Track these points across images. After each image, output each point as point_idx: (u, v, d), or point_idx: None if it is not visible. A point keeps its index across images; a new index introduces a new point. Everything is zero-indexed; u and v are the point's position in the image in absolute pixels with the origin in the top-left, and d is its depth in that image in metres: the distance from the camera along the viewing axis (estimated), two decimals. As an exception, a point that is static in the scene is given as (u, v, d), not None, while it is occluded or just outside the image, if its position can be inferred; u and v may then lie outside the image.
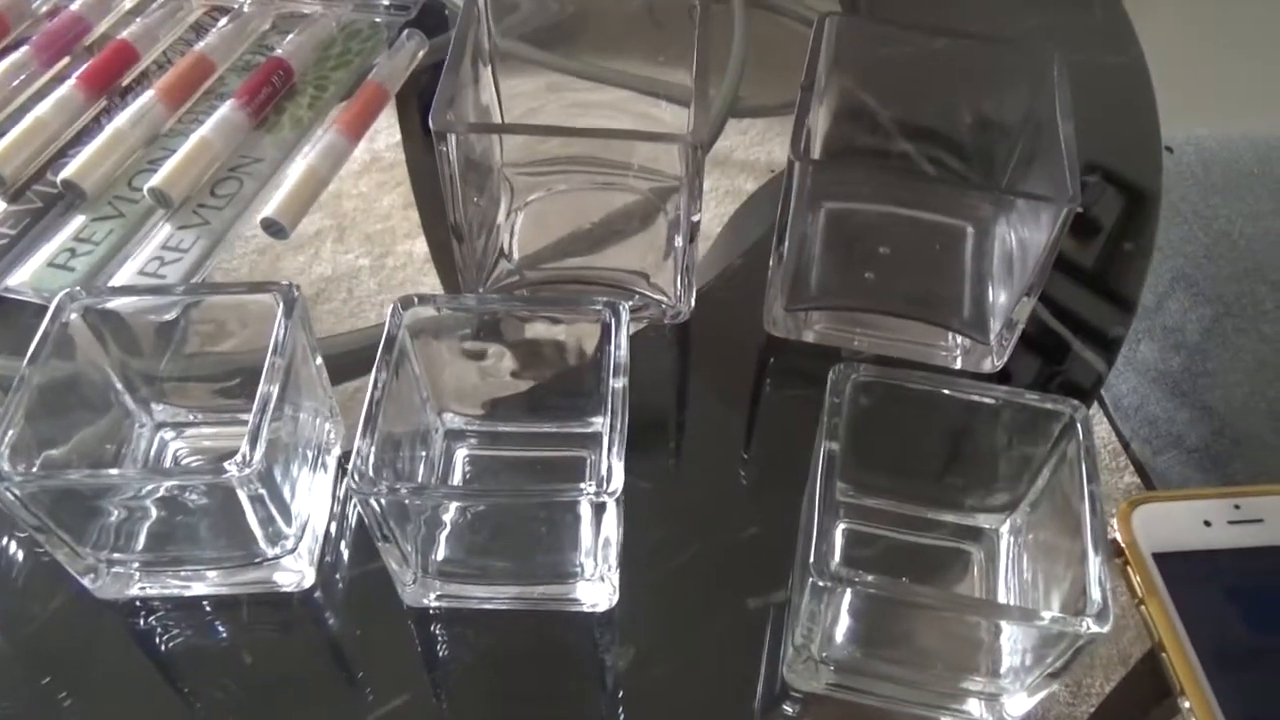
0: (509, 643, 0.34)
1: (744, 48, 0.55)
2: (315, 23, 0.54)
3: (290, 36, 0.52)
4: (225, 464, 0.28)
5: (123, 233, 0.44)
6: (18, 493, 0.28)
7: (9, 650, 0.33)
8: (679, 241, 0.43)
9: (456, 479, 0.36)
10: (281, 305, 0.32)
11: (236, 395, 0.36)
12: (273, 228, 0.44)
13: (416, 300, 0.33)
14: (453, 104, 0.37)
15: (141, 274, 0.42)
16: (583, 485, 0.29)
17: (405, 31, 0.54)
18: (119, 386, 0.34)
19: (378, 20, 0.55)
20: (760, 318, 0.42)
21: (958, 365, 0.41)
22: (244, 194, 0.46)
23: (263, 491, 0.29)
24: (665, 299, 0.42)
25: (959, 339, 0.41)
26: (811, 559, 0.27)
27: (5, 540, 0.35)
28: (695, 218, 0.37)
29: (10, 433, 0.29)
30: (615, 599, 0.33)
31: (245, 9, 0.54)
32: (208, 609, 0.34)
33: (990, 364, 0.40)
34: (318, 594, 0.34)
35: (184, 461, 0.36)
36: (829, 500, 0.28)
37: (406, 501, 0.30)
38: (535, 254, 0.44)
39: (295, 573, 0.33)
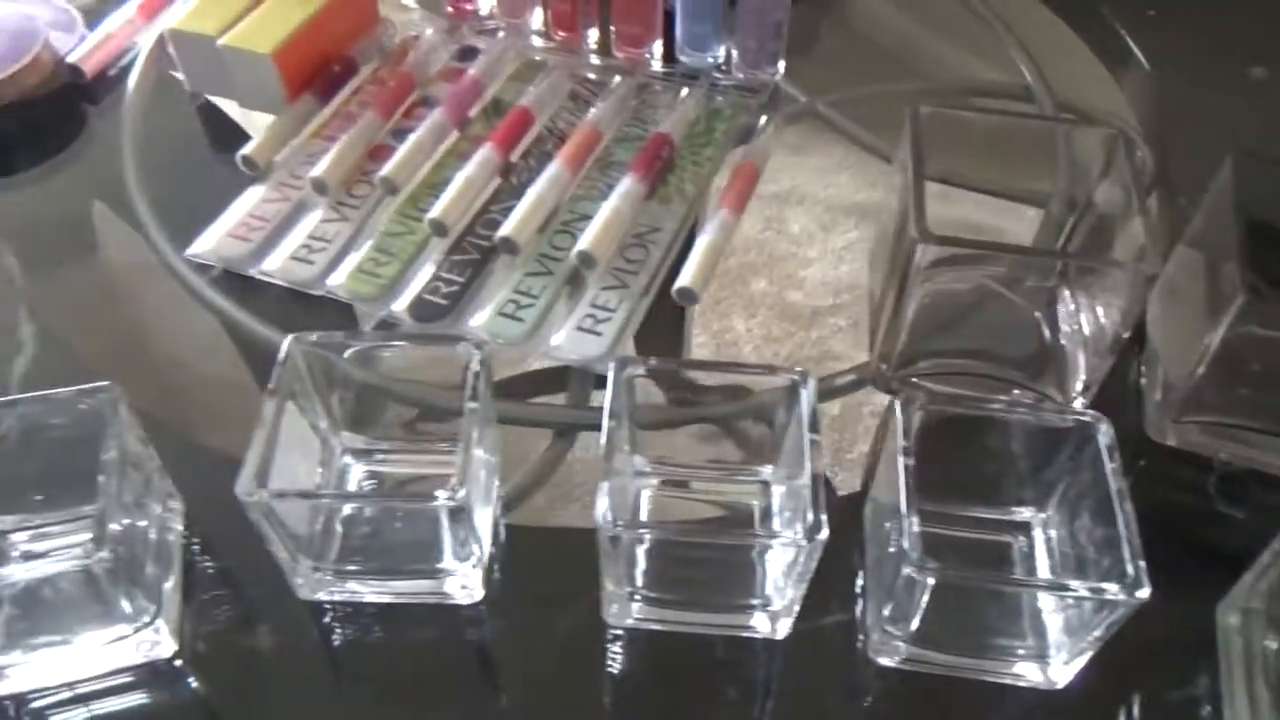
0: (682, 661, 0.37)
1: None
2: (684, 102, 0.58)
3: (671, 115, 0.56)
4: (436, 492, 0.33)
5: (554, 289, 0.48)
6: (272, 506, 0.33)
7: (215, 641, 0.37)
8: (1063, 341, 0.46)
9: (644, 516, 0.40)
10: (478, 355, 0.36)
11: (409, 427, 0.41)
12: (686, 295, 0.48)
13: (630, 363, 0.37)
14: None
15: (578, 329, 0.46)
16: (796, 530, 0.33)
17: (764, 117, 0.58)
18: (322, 415, 0.39)
19: (722, 99, 0.59)
20: (1125, 418, 0.45)
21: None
22: (651, 261, 0.50)
23: (462, 516, 0.33)
24: (1057, 397, 0.44)
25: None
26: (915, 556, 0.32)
27: (221, 549, 0.40)
28: (1125, 334, 0.40)
29: (259, 456, 0.34)
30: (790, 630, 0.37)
31: (617, 84, 0.59)
32: (383, 613, 0.37)
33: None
34: (482, 606, 0.38)
35: (364, 484, 0.40)
36: (913, 505, 0.33)
37: (624, 535, 0.34)
38: (927, 343, 0.46)
39: (470, 586, 0.37)
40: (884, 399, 0.46)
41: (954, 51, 0.68)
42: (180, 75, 0.58)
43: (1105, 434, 0.35)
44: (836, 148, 0.60)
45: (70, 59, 0.57)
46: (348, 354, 0.38)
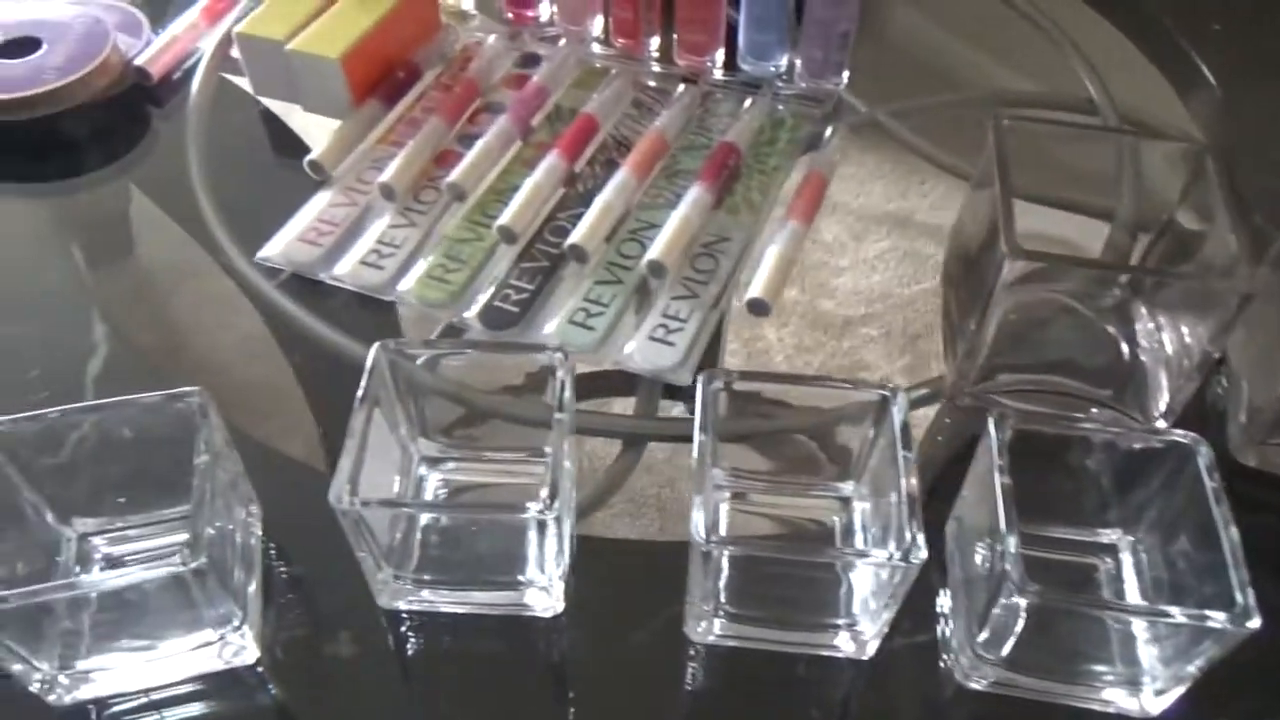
0: (764, 679, 0.36)
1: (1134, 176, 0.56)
2: (749, 111, 0.57)
3: (736, 124, 0.56)
4: (529, 504, 0.32)
5: (624, 298, 0.47)
6: (361, 514, 0.33)
7: (295, 648, 0.37)
8: (1143, 358, 0.45)
9: (723, 530, 0.39)
10: (564, 366, 0.36)
11: (482, 434, 0.41)
12: (758, 307, 0.47)
13: (717, 376, 0.36)
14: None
15: (650, 338, 0.46)
16: (892, 549, 0.33)
17: (830, 127, 0.57)
18: (404, 424, 0.38)
19: (785, 108, 0.58)
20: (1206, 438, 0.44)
21: None
22: (721, 271, 0.49)
23: (552, 529, 0.33)
24: (1138, 417, 0.43)
25: None
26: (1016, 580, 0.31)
27: (297, 554, 0.39)
28: (1216, 355, 0.39)
29: (350, 464, 0.33)
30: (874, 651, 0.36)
31: (681, 93, 0.58)
32: (462, 624, 0.37)
33: None
34: (562, 618, 0.37)
35: (439, 491, 0.40)
36: (1013, 526, 0.32)
37: (715, 551, 0.33)
38: (1002, 358, 0.46)
39: (552, 598, 0.37)
40: (926, 411, 0.46)
41: (1005, 64, 0.68)
42: (245, 79, 0.58)
43: (1205, 456, 0.34)
44: (868, 156, 0.59)
45: (137, 62, 0.57)
46: (420, 361, 0.38)
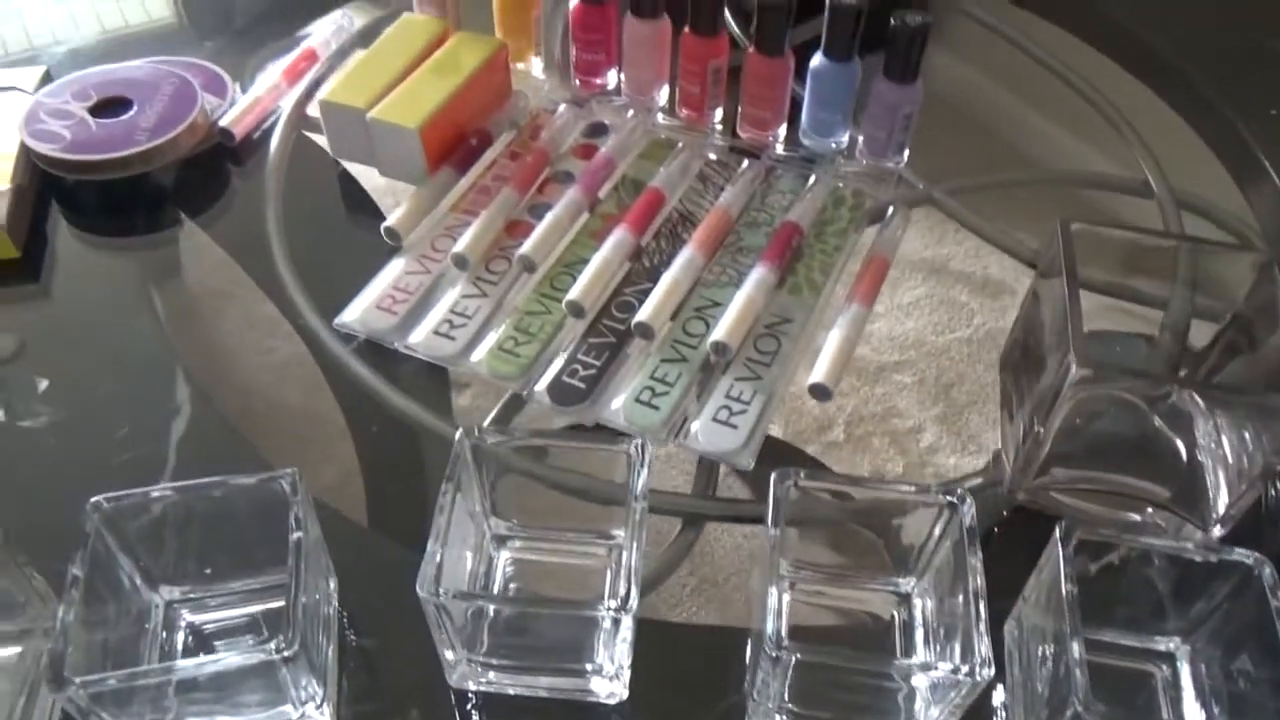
0: None
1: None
2: (812, 189, 0.58)
3: (800, 203, 0.57)
4: (608, 602, 0.34)
5: (689, 378, 0.48)
6: (443, 604, 0.34)
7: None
8: (1201, 458, 0.45)
9: (784, 628, 0.39)
10: (642, 458, 0.37)
11: (552, 514, 0.42)
12: (820, 392, 0.48)
13: (789, 475, 0.37)
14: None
15: (714, 420, 0.47)
16: (959, 665, 0.33)
17: (891, 208, 0.58)
18: (479, 504, 0.40)
19: (845, 185, 0.59)
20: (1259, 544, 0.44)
21: None
22: (784, 353, 0.50)
23: (625, 622, 0.34)
24: (1194, 522, 0.44)
25: None
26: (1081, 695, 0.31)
27: (369, 624, 0.40)
28: (1279, 466, 0.40)
29: (437, 551, 0.34)
30: None
31: (745, 168, 0.59)
32: (526, 706, 0.38)
33: None
34: (625, 705, 0.38)
35: (508, 570, 0.41)
36: (1079, 635, 0.33)
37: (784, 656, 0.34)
38: (1065, 449, 0.46)
39: (616, 685, 0.37)
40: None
41: (1059, 127, 0.68)
42: (324, 142, 0.59)
43: (1269, 577, 0.34)
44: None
45: (222, 123, 0.59)
46: (495, 442, 0.39)
